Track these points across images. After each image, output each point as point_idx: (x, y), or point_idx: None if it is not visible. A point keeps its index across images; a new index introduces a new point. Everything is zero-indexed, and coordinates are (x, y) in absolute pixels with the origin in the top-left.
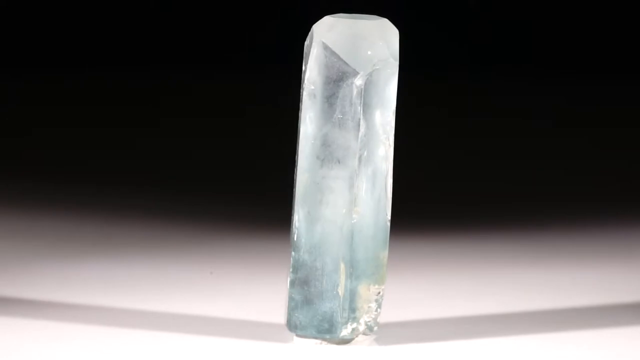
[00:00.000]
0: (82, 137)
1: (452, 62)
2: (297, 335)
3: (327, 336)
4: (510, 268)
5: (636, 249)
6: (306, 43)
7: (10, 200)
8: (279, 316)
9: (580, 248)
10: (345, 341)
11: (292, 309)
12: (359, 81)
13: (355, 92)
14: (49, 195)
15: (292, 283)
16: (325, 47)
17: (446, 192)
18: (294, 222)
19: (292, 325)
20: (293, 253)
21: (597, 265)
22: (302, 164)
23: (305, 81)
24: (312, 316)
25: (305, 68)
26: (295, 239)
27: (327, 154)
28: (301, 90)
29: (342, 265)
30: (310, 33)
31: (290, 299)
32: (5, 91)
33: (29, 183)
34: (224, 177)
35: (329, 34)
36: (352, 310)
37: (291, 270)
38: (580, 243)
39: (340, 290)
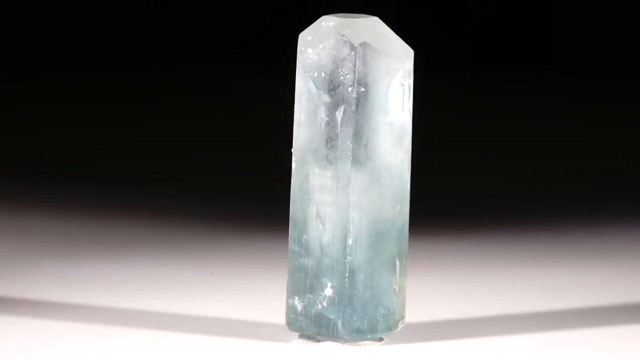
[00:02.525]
0: (82, 137)
1: (452, 62)
2: (345, 341)
3: (382, 335)
4: (509, 268)
5: (636, 249)
6: (311, 50)
7: (10, 200)
8: (279, 316)
9: (580, 248)
10: (380, 339)
11: (346, 314)
12: (404, 77)
13: (404, 88)
14: (49, 195)
15: (350, 288)
16: (369, 47)
17: (446, 192)
18: (340, 227)
19: (353, 331)
20: (349, 258)
21: (597, 265)
22: (353, 168)
23: (351, 83)
24: (370, 317)
25: (323, 73)
26: (350, 242)
27: (378, 154)
28: (316, 94)
29: (398, 263)
30: (322, 35)
31: (344, 305)
32: (5, 91)
33: (29, 183)
34: (224, 177)
35: (360, 33)
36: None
37: (347, 275)
38: (580, 243)
39: (396, 287)
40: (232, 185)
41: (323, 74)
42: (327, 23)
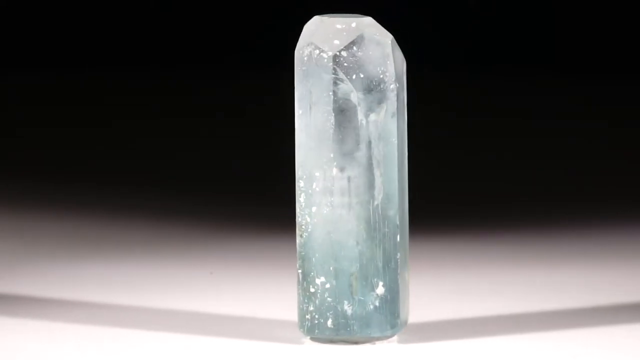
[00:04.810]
0: (82, 137)
1: (451, 62)
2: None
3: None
4: (509, 268)
5: (636, 249)
6: (345, 53)
7: (10, 200)
8: (282, 316)
9: (580, 248)
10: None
11: (395, 311)
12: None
13: (405, 80)
14: (49, 195)
15: (399, 284)
16: (395, 43)
17: (445, 192)
18: (387, 224)
19: (398, 327)
20: (399, 254)
21: (597, 265)
22: (399, 163)
23: (392, 80)
24: (404, 312)
25: (362, 74)
26: (399, 239)
27: (402, 147)
28: (348, 95)
29: (405, 255)
30: (351, 37)
31: (395, 301)
32: (5, 91)
33: (29, 183)
34: (224, 177)
35: (381, 29)
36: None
37: (399, 272)
38: (580, 243)
39: (408, 279)
40: (232, 185)
41: (362, 75)
42: (349, 25)
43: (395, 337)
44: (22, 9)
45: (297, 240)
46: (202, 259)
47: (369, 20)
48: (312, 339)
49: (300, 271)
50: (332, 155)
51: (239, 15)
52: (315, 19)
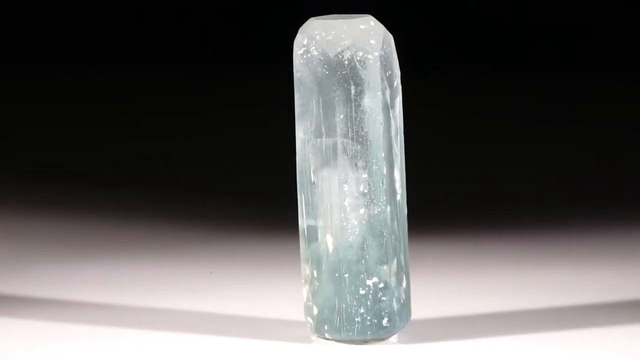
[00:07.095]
0: (81, 137)
1: (451, 62)
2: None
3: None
4: (509, 268)
5: (636, 249)
6: (383, 52)
7: (10, 200)
8: (284, 315)
9: (580, 248)
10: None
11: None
12: None
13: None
14: (49, 195)
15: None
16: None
17: (445, 192)
18: (403, 216)
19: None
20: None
21: (597, 265)
22: (402, 159)
23: (399, 74)
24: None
25: (390, 72)
26: (407, 237)
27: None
28: (364, 96)
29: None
30: (378, 37)
31: (410, 293)
32: (4, 91)
33: (29, 183)
34: (224, 177)
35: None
36: None
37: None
38: (580, 243)
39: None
40: (232, 186)
41: (389, 72)
42: (369, 24)
43: (395, 337)
44: (22, 9)
45: (333, 244)
46: (203, 259)
47: (371, 18)
48: (339, 340)
49: (347, 275)
50: (383, 155)
51: (239, 15)
52: (315, 21)
